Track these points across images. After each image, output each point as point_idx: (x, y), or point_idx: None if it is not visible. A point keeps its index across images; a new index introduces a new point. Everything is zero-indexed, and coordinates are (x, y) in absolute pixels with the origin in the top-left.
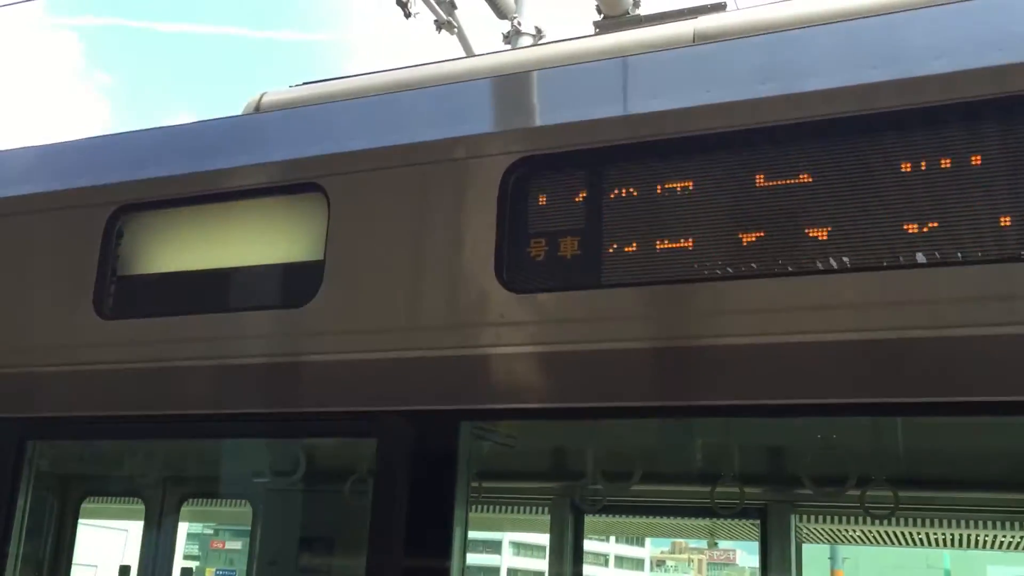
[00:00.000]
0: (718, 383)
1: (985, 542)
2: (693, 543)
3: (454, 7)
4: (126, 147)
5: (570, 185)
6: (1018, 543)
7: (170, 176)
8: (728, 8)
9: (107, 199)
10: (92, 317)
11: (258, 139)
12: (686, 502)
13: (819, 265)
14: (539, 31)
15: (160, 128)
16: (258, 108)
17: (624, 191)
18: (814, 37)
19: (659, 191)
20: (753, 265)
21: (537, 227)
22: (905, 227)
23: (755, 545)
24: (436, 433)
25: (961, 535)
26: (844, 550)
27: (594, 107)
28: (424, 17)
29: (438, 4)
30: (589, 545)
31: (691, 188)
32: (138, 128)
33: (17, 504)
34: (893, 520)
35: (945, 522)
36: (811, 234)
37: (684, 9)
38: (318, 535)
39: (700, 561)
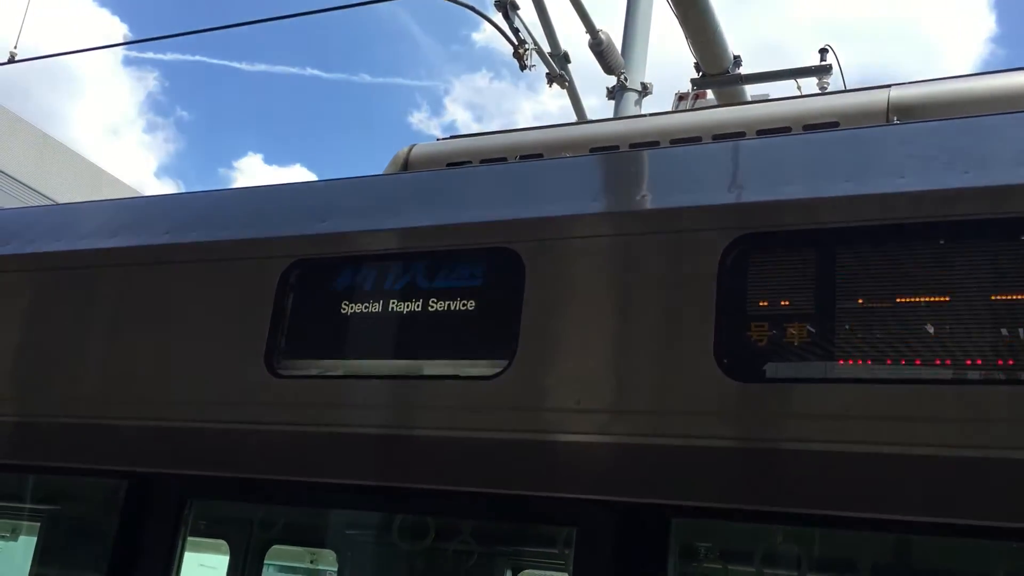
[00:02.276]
0: None
1: None
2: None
3: (567, 61)
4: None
5: (799, 265)
6: None
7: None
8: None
9: (283, 252)
10: (263, 373)
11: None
12: None
13: None
14: (645, 87)
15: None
16: (407, 160)
17: (850, 275)
18: None
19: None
20: None
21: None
22: None
23: None
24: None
25: None
26: None
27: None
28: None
29: (552, 58)
30: None
31: None
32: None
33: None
34: None
35: None
36: None
37: (787, 70)
38: None
39: None
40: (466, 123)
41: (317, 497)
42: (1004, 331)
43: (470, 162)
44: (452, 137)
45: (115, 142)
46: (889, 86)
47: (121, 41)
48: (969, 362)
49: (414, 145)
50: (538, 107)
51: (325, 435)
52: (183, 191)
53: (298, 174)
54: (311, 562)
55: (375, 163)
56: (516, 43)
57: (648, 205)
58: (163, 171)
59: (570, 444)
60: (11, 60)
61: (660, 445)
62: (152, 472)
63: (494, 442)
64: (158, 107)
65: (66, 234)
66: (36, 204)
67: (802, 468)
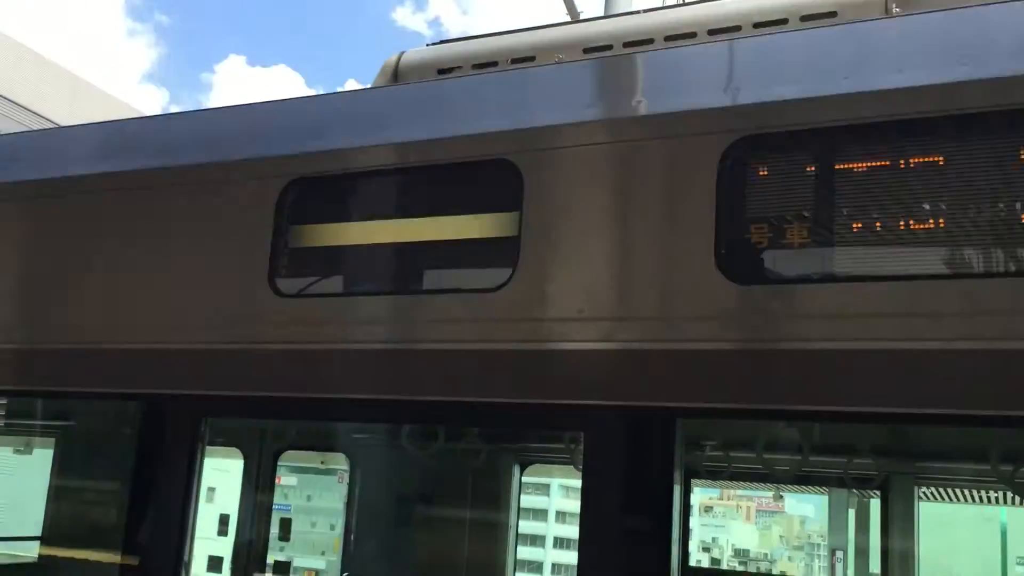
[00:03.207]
0: None
1: None
2: (741, 491)
3: None
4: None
5: (799, 167)
6: None
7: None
8: None
9: (280, 171)
10: (268, 294)
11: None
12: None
13: None
14: None
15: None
16: (397, 68)
17: (857, 174)
18: None
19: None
20: None
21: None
22: None
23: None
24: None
25: None
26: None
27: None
28: None
29: None
30: None
31: None
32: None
33: (195, 479)
34: None
35: None
36: None
37: None
38: None
39: (748, 508)
40: (452, 16)
41: (328, 412)
42: (1001, 226)
43: (460, 68)
44: (442, 42)
45: (95, 50)
46: None
47: None
48: (966, 258)
49: (403, 52)
50: None
51: (333, 352)
52: (178, 111)
53: (282, 73)
54: (321, 463)
55: (360, 63)
56: None
57: (645, 111)
58: (146, 78)
59: (574, 352)
60: None
61: (663, 350)
62: (166, 393)
63: (499, 352)
64: (136, 12)
65: (61, 159)
66: (12, 115)
67: (802, 366)
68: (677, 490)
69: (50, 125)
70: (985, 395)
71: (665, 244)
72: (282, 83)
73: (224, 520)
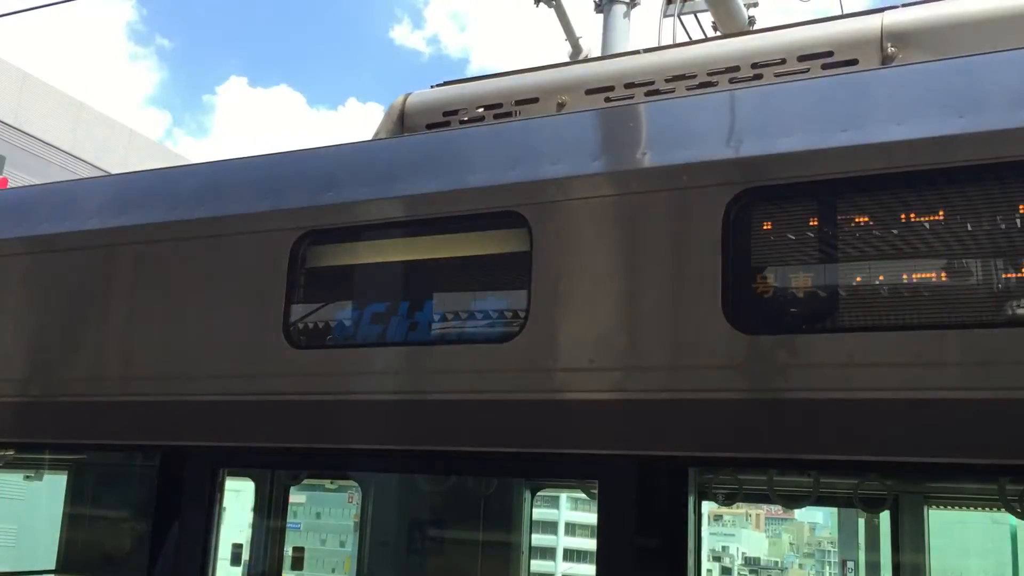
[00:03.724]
0: None
1: None
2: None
3: None
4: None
5: (803, 217)
6: None
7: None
8: None
9: (294, 224)
10: (283, 345)
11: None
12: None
13: None
14: None
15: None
16: (403, 109)
17: (856, 224)
18: None
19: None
20: None
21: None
22: None
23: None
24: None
25: None
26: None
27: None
28: None
29: None
30: None
31: None
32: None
33: (213, 529)
34: None
35: None
36: None
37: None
38: None
39: (758, 516)
40: (450, 34)
41: (341, 462)
42: (1009, 278)
43: (465, 109)
44: (446, 83)
45: (99, 75)
46: (883, 10)
47: None
48: (974, 309)
49: (409, 94)
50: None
51: (345, 403)
52: (188, 163)
53: (284, 94)
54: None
55: (360, 81)
56: None
57: (650, 162)
58: (149, 101)
59: (585, 402)
60: None
61: (673, 400)
62: (183, 445)
63: (510, 403)
64: (138, 37)
65: (75, 212)
66: (18, 144)
67: (810, 416)
68: (691, 538)
69: (55, 152)
70: (993, 444)
71: (673, 294)
72: (283, 103)
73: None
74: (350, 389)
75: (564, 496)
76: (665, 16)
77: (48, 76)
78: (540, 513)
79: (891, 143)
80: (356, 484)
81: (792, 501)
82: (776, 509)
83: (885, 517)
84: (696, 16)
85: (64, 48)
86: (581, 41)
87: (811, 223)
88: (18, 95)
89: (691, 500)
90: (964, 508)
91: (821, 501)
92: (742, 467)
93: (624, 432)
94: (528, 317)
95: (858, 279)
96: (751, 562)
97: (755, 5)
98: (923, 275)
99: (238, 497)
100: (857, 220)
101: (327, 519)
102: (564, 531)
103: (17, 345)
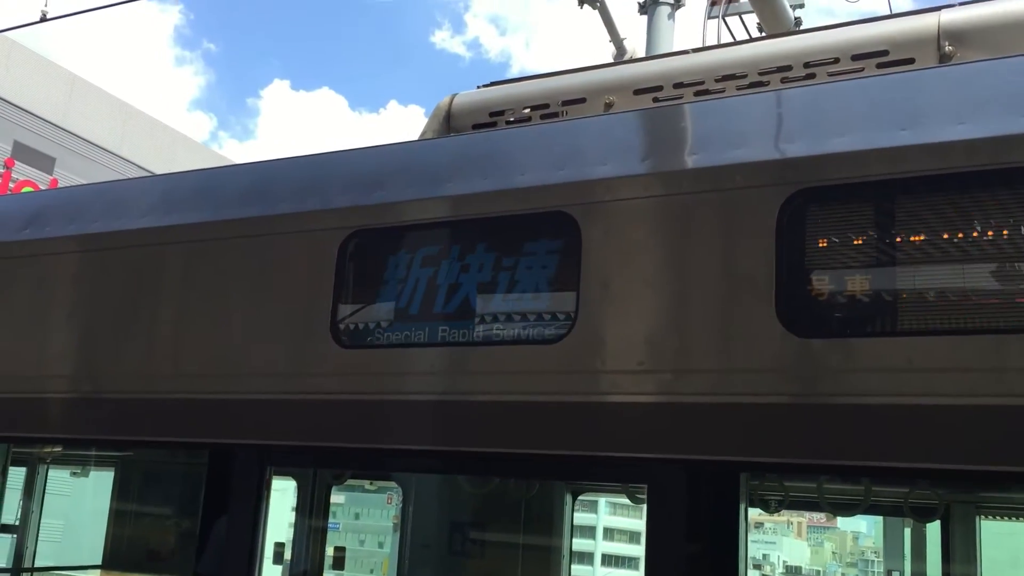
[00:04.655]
0: None
1: None
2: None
3: None
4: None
5: (858, 218)
6: None
7: None
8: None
9: (342, 223)
10: (330, 345)
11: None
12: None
13: None
14: (678, 0)
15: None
16: (449, 109)
17: (900, 229)
18: None
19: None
20: None
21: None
22: None
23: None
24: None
25: None
26: None
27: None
28: None
29: None
30: None
31: None
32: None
33: (260, 527)
34: None
35: None
36: None
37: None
38: None
39: (800, 524)
40: (490, 39)
41: (387, 462)
42: None
43: (512, 109)
44: (492, 84)
45: (146, 78)
46: (939, 9)
47: None
48: None
49: (455, 95)
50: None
51: (393, 403)
52: (237, 163)
53: (325, 96)
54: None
55: (401, 84)
56: None
57: (702, 163)
58: (195, 105)
59: (634, 405)
60: (43, 19)
61: (724, 403)
62: (233, 443)
63: (559, 405)
64: (185, 41)
65: (124, 212)
66: (67, 145)
67: (866, 422)
68: (742, 546)
69: (103, 153)
70: None
71: (725, 296)
72: (326, 106)
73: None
74: (397, 389)
75: (603, 501)
76: (710, 17)
77: (96, 79)
78: (580, 518)
79: (950, 143)
80: (396, 486)
81: (841, 509)
82: (819, 517)
83: (933, 527)
84: (741, 17)
85: (113, 52)
86: (625, 43)
87: (867, 224)
88: (68, 97)
89: (742, 506)
90: (1017, 519)
91: (869, 509)
92: (794, 473)
93: (674, 436)
94: (576, 318)
95: (916, 282)
96: (792, 571)
97: (801, 6)
98: (982, 279)
99: (281, 496)
100: (914, 222)
101: (366, 520)
102: (603, 536)
103: (67, 342)
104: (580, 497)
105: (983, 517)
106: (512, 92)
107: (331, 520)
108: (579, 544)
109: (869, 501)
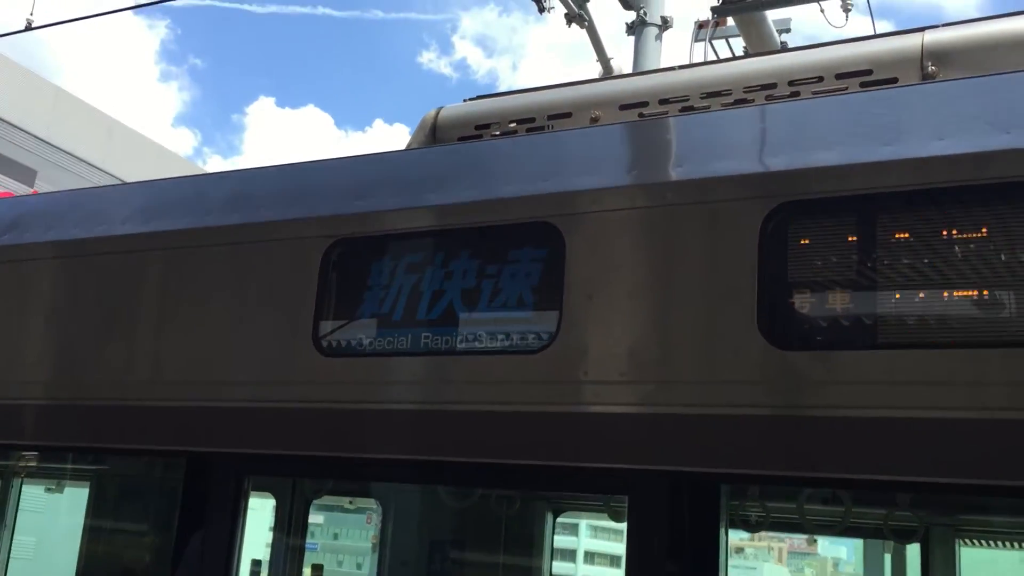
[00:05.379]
0: None
1: None
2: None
3: (586, 0)
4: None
5: (839, 232)
6: None
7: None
8: None
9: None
10: (312, 353)
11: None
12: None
13: None
14: (665, 21)
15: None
16: (435, 122)
17: (899, 242)
18: None
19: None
20: None
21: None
22: None
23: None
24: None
25: None
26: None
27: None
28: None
29: None
30: None
31: None
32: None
33: (238, 537)
34: None
35: None
36: None
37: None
38: None
39: (780, 550)
40: (477, 60)
41: (366, 471)
42: None
43: (498, 123)
44: (478, 97)
45: (130, 93)
46: (923, 29)
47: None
48: (1017, 328)
49: (441, 108)
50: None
51: (372, 412)
52: (220, 171)
53: (311, 115)
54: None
55: (387, 103)
56: None
57: (685, 175)
58: (179, 120)
59: (615, 416)
60: (28, 28)
61: (705, 415)
62: (209, 451)
63: (540, 415)
64: (171, 56)
65: (105, 219)
66: (49, 158)
67: (845, 434)
68: (722, 557)
69: (86, 167)
70: None
71: (707, 307)
72: (312, 123)
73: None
74: (378, 398)
75: (584, 523)
76: (696, 40)
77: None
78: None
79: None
80: (375, 505)
81: (822, 529)
82: (799, 543)
83: (914, 552)
84: (728, 41)
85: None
86: (612, 63)
87: (848, 238)
88: (51, 111)
89: (723, 517)
90: (996, 545)
91: (848, 532)
92: (773, 485)
93: (655, 447)
94: (559, 329)
95: (898, 295)
96: None
97: (787, 31)
98: (964, 292)
99: (258, 515)
100: (896, 235)
101: (345, 540)
102: (584, 560)
103: (42, 348)
104: (560, 519)
105: (963, 542)
106: (498, 106)
107: (310, 540)
108: (559, 567)
109: (848, 521)
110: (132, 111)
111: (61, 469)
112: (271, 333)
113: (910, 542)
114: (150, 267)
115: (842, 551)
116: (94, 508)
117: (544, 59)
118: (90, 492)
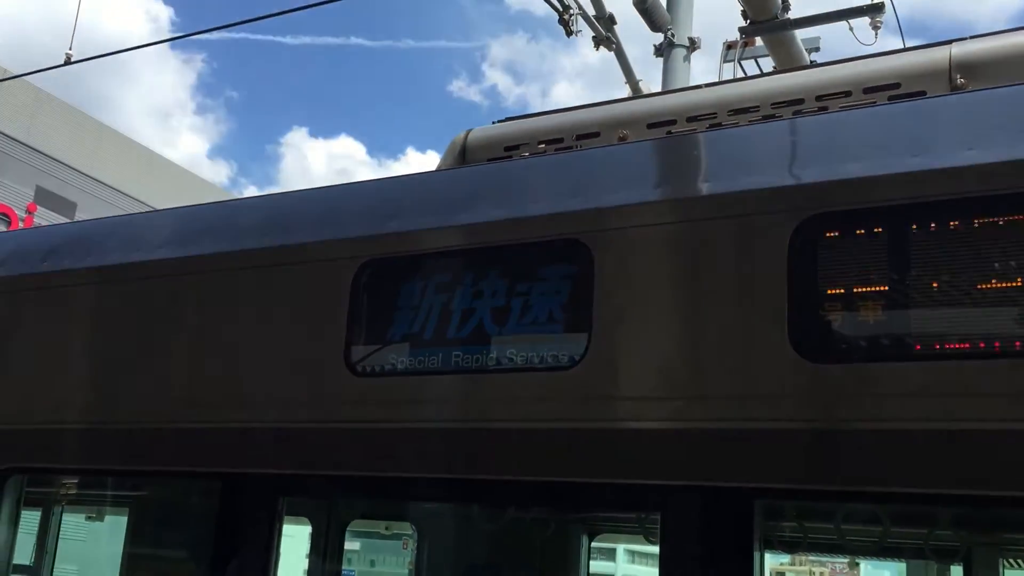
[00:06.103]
0: None
1: None
2: (814, 555)
3: (613, 23)
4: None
5: (870, 244)
6: None
7: None
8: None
9: (355, 252)
10: (344, 373)
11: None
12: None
13: None
14: (693, 42)
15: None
16: (464, 145)
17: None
18: None
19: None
20: None
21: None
22: None
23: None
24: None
25: None
26: None
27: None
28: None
29: (598, 21)
30: None
31: None
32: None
33: (272, 559)
34: None
35: None
36: None
37: (837, 11)
38: None
39: (822, 575)
40: (507, 87)
41: (401, 491)
42: None
43: (527, 144)
44: (507, 119)
45: (167, 126)
46: (951, 42)
47: (170, 36)
48: None
49: (470, 130)
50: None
51: (406, 431)
52: (252, 196)
53: (344, 144)
54: (385, 528)
55: (419, 132)
56: (561, 9)
57: (713, 189)
58: (215, 151)
59: (648, 431)
60: (67, 62)
61: (738, 429)
62: (243, 472)
63: (572, 431)
64: (207, 89)
65: (140, 244)
66: (90, 190)
67: (880, 448)
68: (756, 572)
69: (125, 199)
70: None
71: (738, 321)
72: (345, 152)
73: None
74: (411, 417)
75: (621, 548)
76: (725, 61)
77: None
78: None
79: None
80: (410, 530)
81: (860, 550)
82: (842, 566)
83: (957, 574)
84: (756, 61)
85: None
86: (641, 84)
87: (879, 250)
88: (93, 145)
89: (756, 531)
90: None
91: (887, 552)
92: (808, 499)
93: (688, 463)
94: (589, 345)
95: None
96: None
97: (816, 50)
98: (996, 302)
99: (294, 542)
100: (925, 246)
101: (381, 567)
102: None
103: (78, 372)
104: (596, 544)
105: (1007, 562)
106: (526, 127)
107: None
108: None
109: (887, 541)
110: (170, 143)
111: (100, 496)
112: (303, 354)
113: (953, 563)
114: (184, 291)
115: (885, 575)
116: (132, 534)
117: (574, 85)
118: (128, 518)
